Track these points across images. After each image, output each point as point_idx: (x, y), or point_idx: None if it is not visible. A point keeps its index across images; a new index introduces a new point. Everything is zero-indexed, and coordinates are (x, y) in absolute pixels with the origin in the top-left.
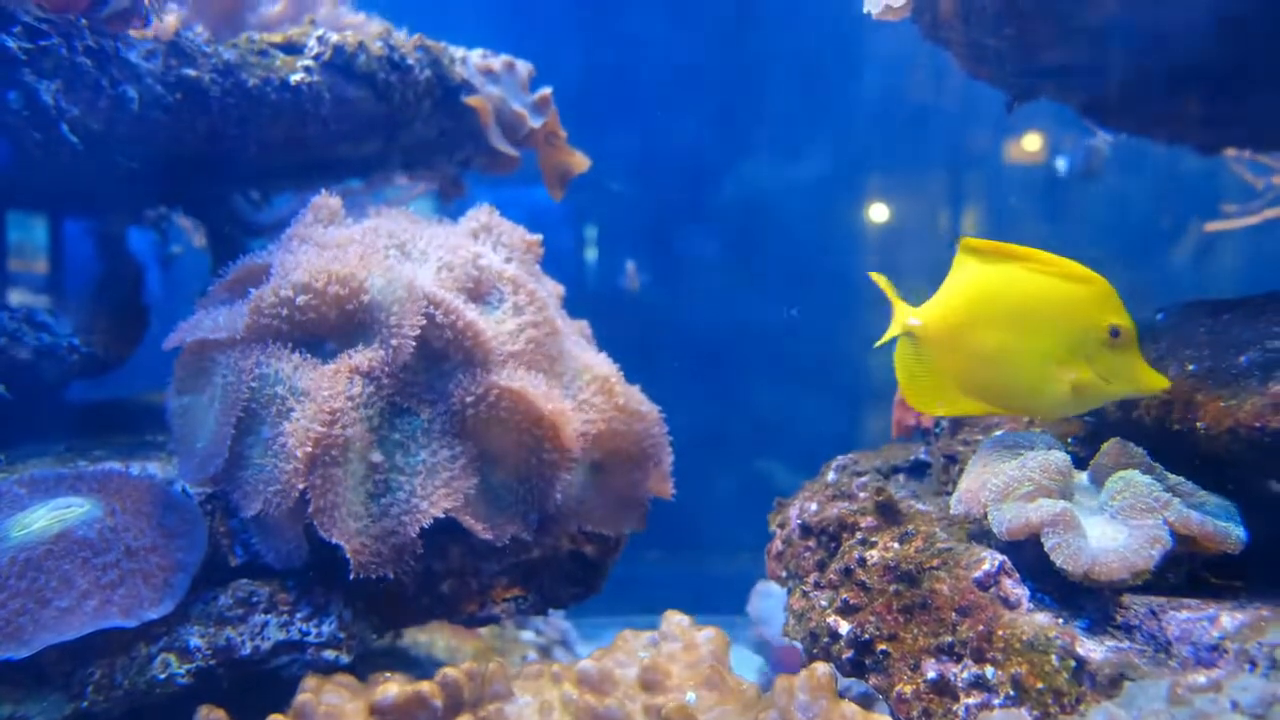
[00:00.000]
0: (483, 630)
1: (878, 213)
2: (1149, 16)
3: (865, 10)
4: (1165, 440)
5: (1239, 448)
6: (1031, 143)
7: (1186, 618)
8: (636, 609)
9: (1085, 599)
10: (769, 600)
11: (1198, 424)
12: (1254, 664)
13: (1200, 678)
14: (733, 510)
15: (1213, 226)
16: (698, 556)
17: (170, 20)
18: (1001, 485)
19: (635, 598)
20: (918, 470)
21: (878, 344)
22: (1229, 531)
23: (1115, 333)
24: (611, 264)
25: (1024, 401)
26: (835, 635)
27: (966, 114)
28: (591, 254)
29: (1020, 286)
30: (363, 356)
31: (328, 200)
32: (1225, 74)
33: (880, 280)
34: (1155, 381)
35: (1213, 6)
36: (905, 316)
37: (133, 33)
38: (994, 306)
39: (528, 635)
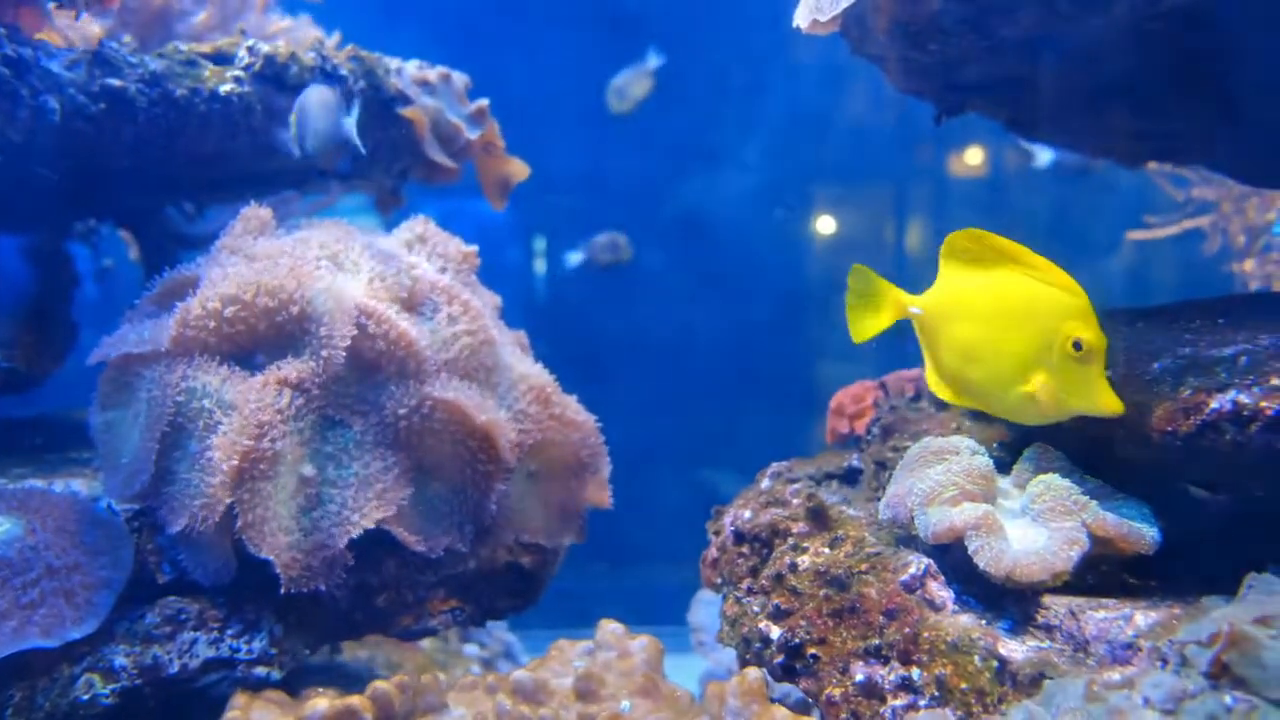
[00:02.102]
0: (425, 644)
1: (823, 224)
2: (1067, 33)
3: (794, 25)
4: (1085, 444)
5: (1152, 451)
6: (974, 155)
7: (1103, 617)
8: (582, 621)
9: (1008, 600)
10: (709, 608)
11: (1114, 428)
12: (1165, 661)
13: (1115, 675)
14: (678, 521)
15: (1134, 235)
16: (643, 568)
17: (95, 29)
18: (927, 490)
19: (581, 610)
20: (850, 477)
21: (859, 339)
22: (1143, 533)
23: (1078, 346)
24: (558, 275)
25: (990, 400)
26: (767, 640)
27: (910, 125)
28: (538, 266)
29: (1003, 285)
30: (292, 368)
31: (257, 211)
32: (1143, 90)
33: (868, 273)
34: (1110, 403)
35: (1128, 24)
36: (905, 303)
37: (54, 38)
38: (976, 301)
39: (471, 649)
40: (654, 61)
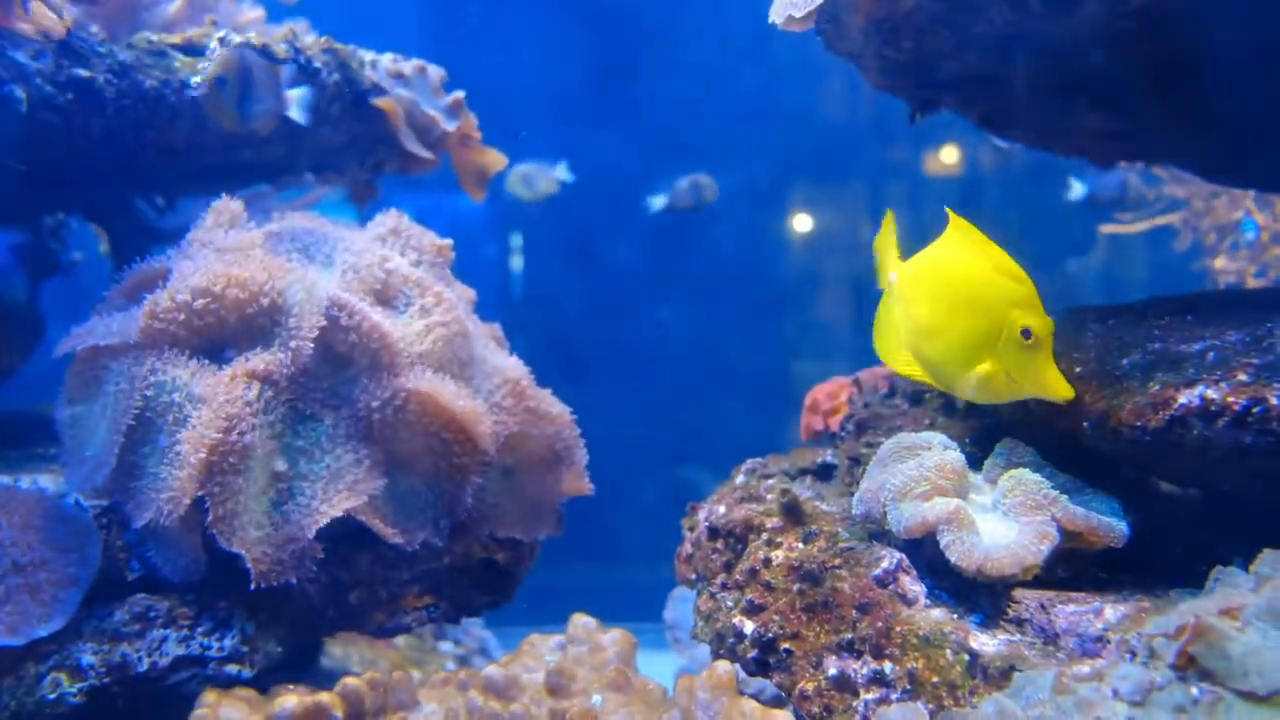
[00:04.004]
0: (401, 642)
1: (799, 222)
2: (1040, 32)
3: (770, 20)
4: (1055, 439)
5: (1122, 446)
6: (950, 153)
7: (1073, 611)
8: (560, 618)
9: (979, 594)
10: (685, 605)
11: (1083, 423)
12: (1134, 654)
13: (1084, 668)
14: (656, 518)
15: (1107, 229)
16: (621, 565)
17: (63, 20)
18: (900, 485)
19: (559, 607)
20: (824, 472)
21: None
22: (1112, 526)
23: (1027, 334)
24: (536, 271)
25: (944, 379)
26: (740, 635)
27: (887, 122)
28: (515, 261)
29: (960, 268)
30: (260, 360)
31: (228, 204)
32: (1114, 89)
33: (888, 225)
34: (1060, 388)
35: (1097, 24)
36: (890, 269)
37: (22, 28)
38: (936, 281)
39: (446, 646)
40: (562, 172)
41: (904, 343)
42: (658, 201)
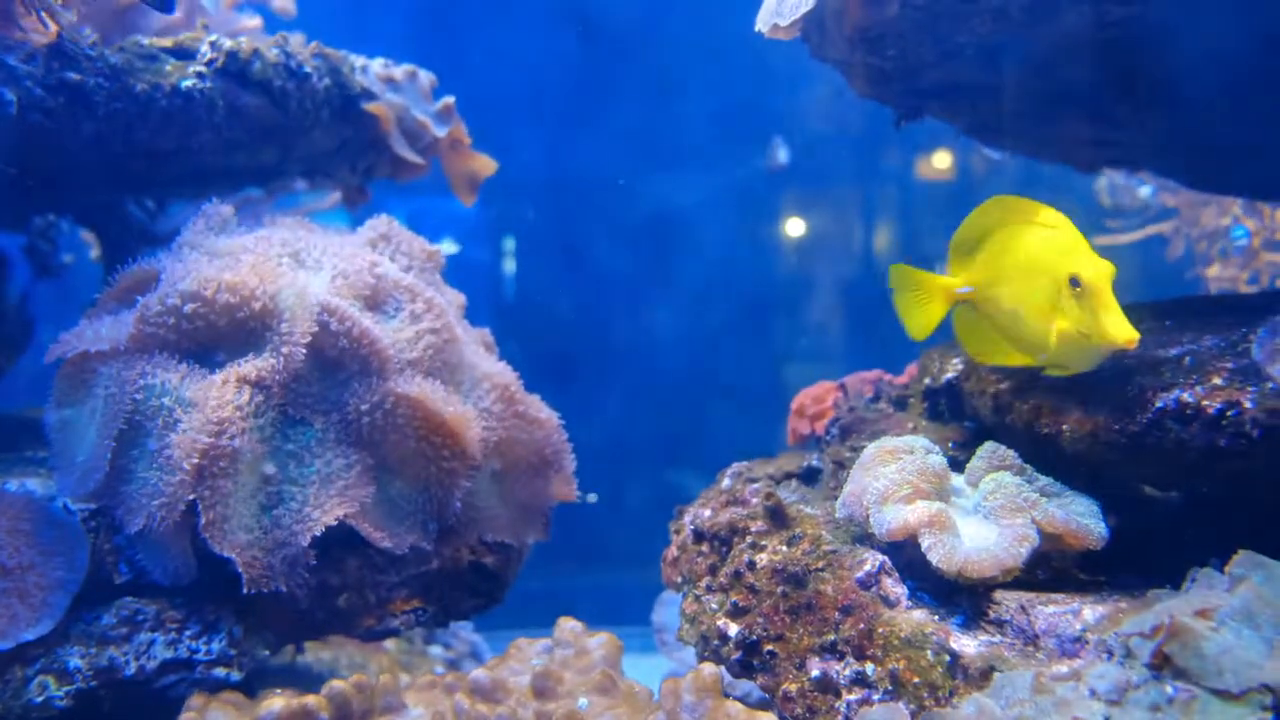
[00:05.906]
0: (390, 646)
1: (789, 227)
2: (1021, 41)
3: (756, 29)
4: (1036, 443)
5: (1100, 449)
6: (941, 159)
7: (1053, 612)
8: (549, 622)
9: (960, 596)
10: (672, 608)
11: (1063, 427)
12: (1111, 653)
13: (1062, 668)
14: (645, 521)
15: (1099, 241)
16: (611, 568)
17: (54, 24)
18: (882, 489)
19: (549, 611)
20: (810, 476)
21: (921, 335)
22: (1091, 529)
23: (1075, 283)
24: (527, 275)
25: (1037, 352)
26: (725, 637)
27: (878, 128)
28: (508, 265)
29: (1017, 240)
30: (252, 366)
31: (219, 208)
32: (1097, 98)
33: (907, 269)
34: (1120, 332)
35: (1079, 34)
36: (953, 286)
37: (12, 32)
38: (1003, 262)
39: (436, 650)
40: (448, 246)
41: (998, 335)
42: (782, 155)
